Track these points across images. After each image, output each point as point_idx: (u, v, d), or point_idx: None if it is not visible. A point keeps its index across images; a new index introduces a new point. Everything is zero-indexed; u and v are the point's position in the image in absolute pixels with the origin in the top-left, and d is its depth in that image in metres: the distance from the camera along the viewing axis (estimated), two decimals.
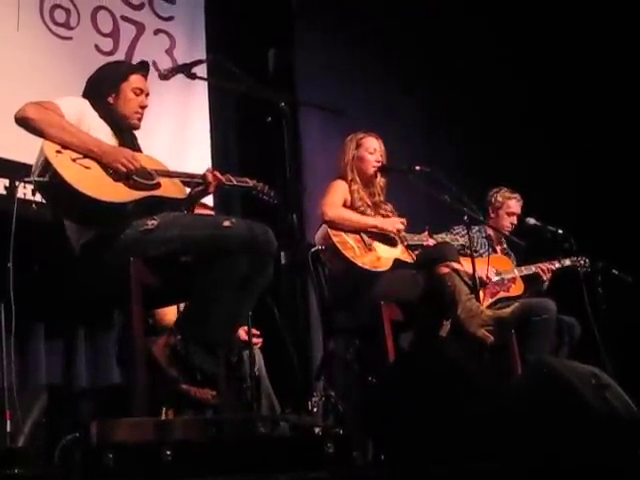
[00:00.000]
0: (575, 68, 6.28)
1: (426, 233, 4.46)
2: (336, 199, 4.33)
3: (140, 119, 3.44)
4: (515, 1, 6.36)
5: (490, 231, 5.14)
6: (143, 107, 3.43)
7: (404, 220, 4.40)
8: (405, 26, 6.32)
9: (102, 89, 3.39)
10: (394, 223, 4.36)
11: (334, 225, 4.22)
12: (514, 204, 5.18)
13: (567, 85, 6.28)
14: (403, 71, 6.38)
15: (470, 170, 6.01)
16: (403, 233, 4.39)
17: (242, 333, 4.05)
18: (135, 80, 3.43)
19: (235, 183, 3.56)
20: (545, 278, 4.97)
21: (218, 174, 3.45)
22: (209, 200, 4.60)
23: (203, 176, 3.44)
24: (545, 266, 4.99)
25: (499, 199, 5.18)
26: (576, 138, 6.22)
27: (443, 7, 6.40)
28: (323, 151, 5.43)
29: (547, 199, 5.76)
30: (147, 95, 3.45)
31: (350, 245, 4.18)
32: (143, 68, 3.53)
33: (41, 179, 3.05)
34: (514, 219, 5.17)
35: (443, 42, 6.39)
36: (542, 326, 4.58)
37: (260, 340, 4.21)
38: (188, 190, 3.42)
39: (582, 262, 5.02)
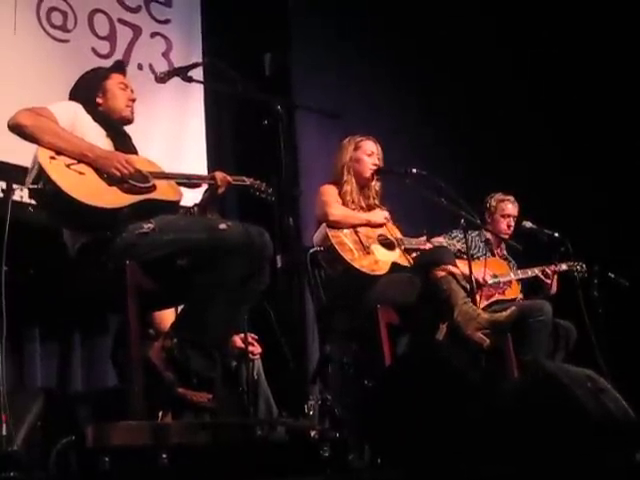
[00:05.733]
0: (573, 72, 6.29)
1: (424, 237, 4.47)
2: (334, 200, 4.35)
3: (132, 112, 3.48)
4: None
5: (489, 235, 5.16)
6: (132, 100, 3.48)
7: (387, 213, 4.44)
8: (403, 29, 6.32)
9: (88, 92, 3.42)
10: (380, 215, 4.40)
11: (338, 225, 4.24)
12: (508, 206, 5.22)
13: (566, 89, 6.29)
14: (401, 74, 6.38)
15: (469, 174, 6.02)
16: (400, 235, 4.41)
17: (238, 340, 4.04)
18: (117, 77, 3.49)
19: (232, 182, 3.57)
20: (548, 282, 4.99)
21: (224, 174, 3.50)
22: None
23: (213, 177, 3.47)
24: (543, 269, 5.01)
25: (493, 203, 5.23)
26: (574, 142, 6.23)
27: (442, 10, 6.40)
28: (320, 154, 5.43)
29: (544, 202, 5.77)
30: (132, 91, 3.50)
31: (349, 247, 4.19)
32: (120, 67, 3.59)
33: (35, 186, 3.05)
34: (510, 221, 5.20)
35: (442, 45, 6.38)
36: (538, 327, 4.59)
37: (259, 350, 4.19)
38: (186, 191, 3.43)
39: (579, 268, 5.05)
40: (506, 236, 5.14)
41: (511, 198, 5.24)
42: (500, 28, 6.44)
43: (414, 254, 4.39)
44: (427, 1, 6.42)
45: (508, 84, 6.39)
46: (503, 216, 5.20)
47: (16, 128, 3.12)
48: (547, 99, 6.36)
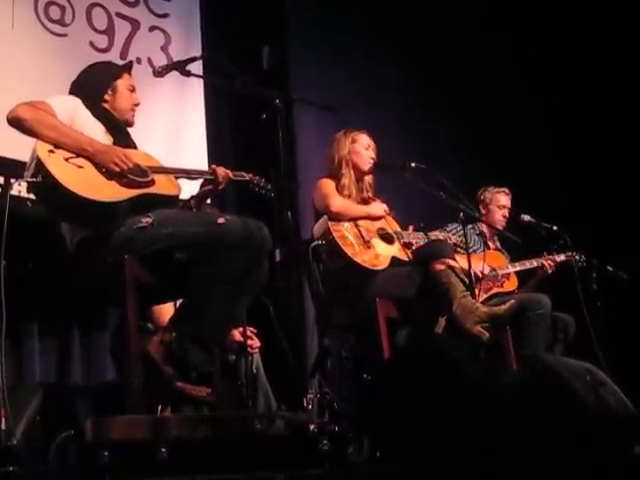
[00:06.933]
0: (573, 67, 6.29)
1: (411, 228, 4.47)
2: (334, 192, 4.35)
3: (134, 116, 3.49)
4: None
5: (483, 228, 5.17)
6: (137, 105, 3.50)
7: (385, 206, 4.45)
8: (401, 23, 6.31)
9: (97, 87, 3.41)
10: (380, 208, 4.41)
11: (339, 216, 4.24)
12: (503, 197, 5.25)
13: (566, 84, 6.29)
14: (399, 69, 6.37)
15: (466, 167, 6.01)
16: (399, 229, 4.41)
17: (237, 334, 4.04)
18: (127, 78, 3.51)
19: (232, 178, 3.57)
20: (549, 271, 5.00)
21: (227, 170, 3.49)
22: None
23: (214, 171, 3.47)
24: (542, 262, 5.02)
25: (488, 195, 5.28)
26: (571, 135, 6.23)
27: (440, 5, 6.39)
28: (318, 148, 5.42)
29: (542, 196, 5.77)
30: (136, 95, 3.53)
31: (350, 241, 4.19)
32: (130, 68, 3.60)
33: (34, 179, 3.05)
34: (505, 212, 5.26)
35: (440, 39, 6.38)
36: (537, 320, 4.60)
37: (258, 344, 4.19)
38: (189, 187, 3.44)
39: (577, 257, 5.05)
40: (501, 227, 5.16)
41: (505, 190, 5.30)
42: (500, 25, 6.43)
43: (410, 248, 4.38)
44: None
45: (507, 79, 6.38)
46: (499, 207, 5.25)
47: (15, 122, 3.11)
48: (547, 95, 6.35)
